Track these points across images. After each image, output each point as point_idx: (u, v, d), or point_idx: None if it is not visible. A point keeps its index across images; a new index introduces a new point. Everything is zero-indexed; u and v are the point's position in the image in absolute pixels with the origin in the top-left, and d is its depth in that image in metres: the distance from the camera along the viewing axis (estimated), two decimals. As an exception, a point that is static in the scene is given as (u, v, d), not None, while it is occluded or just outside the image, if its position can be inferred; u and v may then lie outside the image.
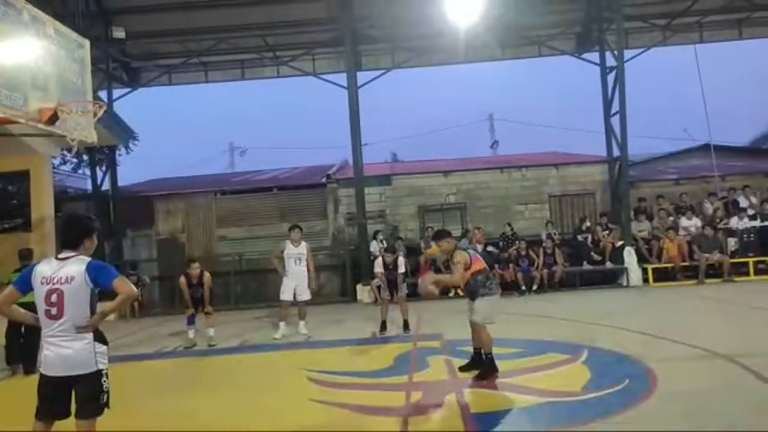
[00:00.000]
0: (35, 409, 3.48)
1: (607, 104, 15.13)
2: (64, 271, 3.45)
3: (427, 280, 6.27)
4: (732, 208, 14.63)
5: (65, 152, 15.42)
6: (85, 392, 3.44)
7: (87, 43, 8.44)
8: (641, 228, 14.41)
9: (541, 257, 13.58)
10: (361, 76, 15.20)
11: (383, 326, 9.07)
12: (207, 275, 9.17)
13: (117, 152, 16.18)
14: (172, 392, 6.29)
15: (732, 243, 13.74)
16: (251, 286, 15.09)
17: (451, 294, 12.60)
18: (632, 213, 14.64)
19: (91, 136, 8.00)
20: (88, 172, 17.41)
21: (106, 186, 15.51)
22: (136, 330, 11.37)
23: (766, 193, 15.04)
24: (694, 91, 15.88)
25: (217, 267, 14.18)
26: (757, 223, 13.80)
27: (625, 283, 13.71)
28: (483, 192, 16.26)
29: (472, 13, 12.12)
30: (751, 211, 14.19)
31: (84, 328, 3.44)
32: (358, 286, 14.08)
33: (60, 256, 3.56)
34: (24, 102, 6.75)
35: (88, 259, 3.54)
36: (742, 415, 4.43)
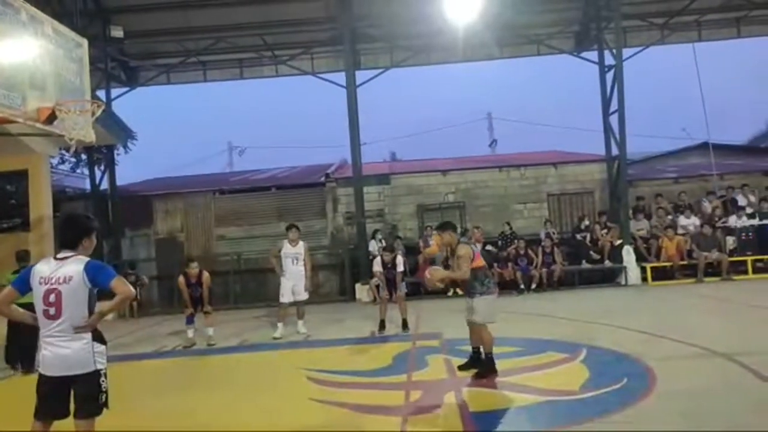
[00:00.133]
0: (34, 408, 3.48)
1: (606, 103, 15.13)
2: (62, 271, 3.45)
3: (436, 277, 6.23)
4: (730, 206, 14.64)
5: (63, 152, 15.41)
6: (84, 392, 3.44)
7: (85, 42, 8.42)
8: (640, 227, 14.42)
9: (540, 256, 13.58)
10: (360, 75, 15.18)
11: (382, 325, 9.07)
12: (206, 275, 9.17)
13: (115, 152, 16.15)
14: (171, 392, 6.29)
15: (730, 241, 13.75)
16: (250, 286, 15.08)
17: (450, 293, 12.62)
18: (631, 212, 14.64)
19: (90, 136, 7.98)
20: (86, 171, 17.41)
21: (104, 185, 15.51)
22: (134, 329, 11.36)
23: (764, 192, 15.05)
24: (692, 90, 15.91)
25: (215, 266, 14.19)
26: (756, 221, 13.81)
27: (623, 282, 13.72)
28: (482, 191, 16.26)
29: (471, 12, 12.13)
30: (749, 210, 14.20)
31: (82, 328, 3.44)
32: (357, 285, 14.07)
33: (59, 255, 3.55)
34: (22, 101, 6.74)
35: (87, 258, 3.54)
36: (741, 414, 4.43)
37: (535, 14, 15.35)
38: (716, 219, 14.25)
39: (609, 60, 14.89)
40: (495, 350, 6.03)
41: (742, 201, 14.63)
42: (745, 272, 13.33)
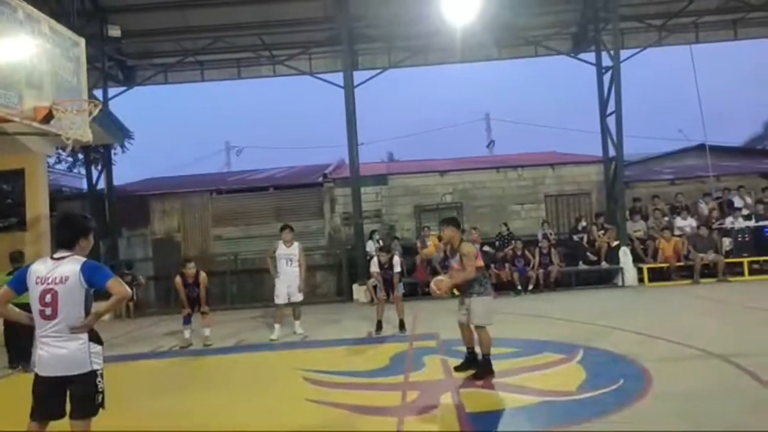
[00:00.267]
0: (30, 409, 3.47)
1: (603, 104, 15.15)
2: (58, 271, 3.44)
3: (443, 288, 6.14)
4: (727, 208, 14.68)
5: (60, 151, 15.39)
6: (80, 392, 3.43)
7: (82, 41, 8.40)
8: (636, 228, 14.45)
9: (537, 257, 13.60)
10: (358, 76, 15.19)
11: (379, 326, 9.06)
12: (203, 275, 9.15)
13: (112, 151, 16.14)
14: (167, 392, 6.28)
15: (727, 243, 13.78)
16: (247, 286, 15.06)
17: (446, 294, 12.60)
18: (628, 213, 14.67)
19: (87, 135, 7.96)
20: (83, 171, 17.37)
21: (101, 185, 15.46)
22: (131, 330, 11.34)
23: (760, 194, 15.10)
24: (689, 92, 15.94)
25: (213, 267, 14.16)
26: (752, 223, 13.85)
27: (620, 283, 13.75)
28: (479, 192, 16.27)
29: (468, 13, 12.14)
30: (745, 211, 14.26)
31: (78, 328, 3.43)
32: (355, 286, 14.07)
33: (55, 255, 3.54)
34: (19, 100, 6.72)
35: (83, 259, 3.53)
36: (737, 415, 4.44)
37: (533, 16, 15.38)
38: (713, 220, 14.29)
39: (606, 61, 14.92)
40: (492, 351, 6.04)
41: (738, 202, 14.67)
42: (742, 274, 13.36)
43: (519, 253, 13.63)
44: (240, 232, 16.00)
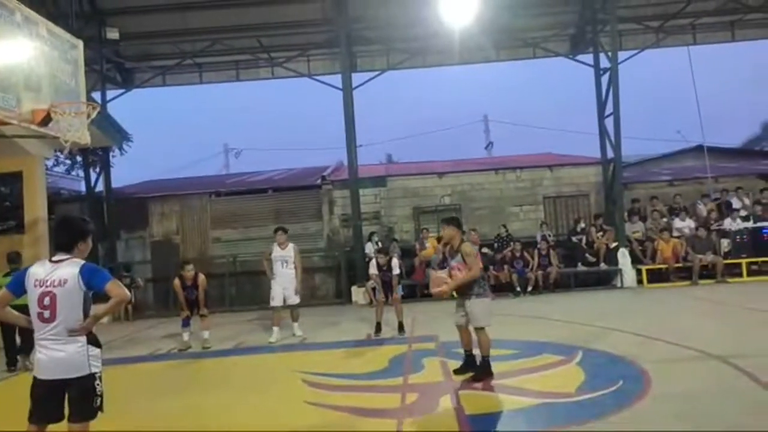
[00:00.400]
0: (28, 412, 3.45)
1: (601, 106, 15.18)
2: (57, 274, 3.43)
3: (447, 289, 6.13)
4: (725, 209, 14.70)
5: (58, 153, 15.36)
6: (78, 395, 3.42)
7: (80, 43, 8.41)
8: (635, 229, 14.46)
9: (536, 258, 13.61)
10: (356, 78, 15.21)
11: (378, 328, 9.05)
12: (201, 277, 9.13)
13: (111, 154, 16.11)
14: (166, 395, 6.27)
15: (725, 244, 13.80)
16: (246, 288, 15.04)
17: (445, 296, 12.60)
18: (626, 214, 14.69)
19: (85, 138, 7.96)
20: (81, 173, 17.36)
21: (99, 187, 15.45)
22: (130, 332, 11.32)
23: (758, 195, 15.12)
24: (687, 93, 16.00)
25: (211, 269, 14.14)
26: (750, 224, 13.87)
27: (619, 285, 13.76)
28: (478, 193, 16.28)
29: (467, 15, 12.16)
30: (743, 213, 14.27)
31: (77, 331, 3.42)
32: (353, 288, 14.06)
33: (54, 258, 3.53)
34: (17, 103, 6.72)
35: (82, 261, 3.52)
36: (736, 416, 4.44)
37: (531, 17, 15.41)
38: (711, 222, 14.30)
39: (604, 63, 14.94)
40: (491, 353, 6.04)
41: (736, 204, 14.69)
42: (740, 275, 13.37)
43: (518, 254, 13.64)
44: (239, 234, 15.99)
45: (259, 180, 18.54)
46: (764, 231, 13.62)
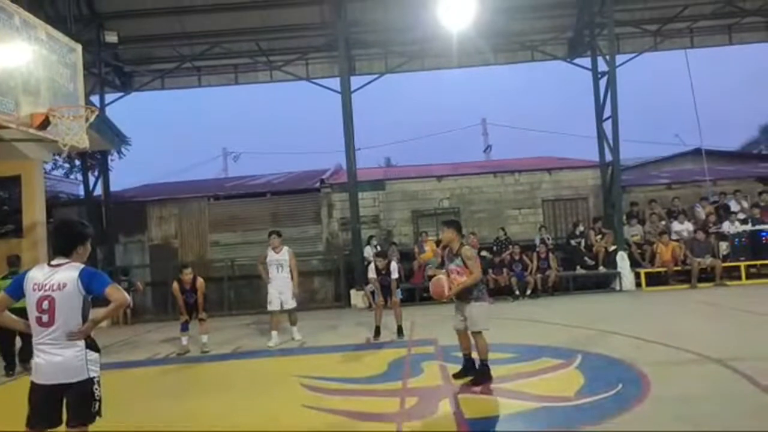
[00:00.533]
0: (26, 417, 3.44)
1: (599, 109, 15.20)
2: (56, 278, 3.42)
3: (449, 294, 6.12)
4: (723, 212, 14.72)
5: (57, 157, 15.36)
6: (77, 400, 3.41)
7: (79, 47, 8.41)
8: (633, 232, 14.47)
9: (535, 262, 13.60)
10: (355, 81, 15.23)
11: (377, 332, 9.04)
12: (200, 281, 9.11)
13: (109, 157, 16.10)
14: (164, 399, 6.25)
15: (724, 247, 13.80)
16: (245, 292, 15.02)
17: (445, 300, 12.59)
18: (625, 217, 14.70)
19: (83, 141, 7.96)
20: (80, 177, 17.34)
21: (98, 191, 15.42)
22: (128, 336, 11.30)
23: (756, 198, 15.14)
24: (685, 96, 16.05)
25: (210, 273, 14.14)
26: (748, 227, 13.88)
27: (618, 288, 13.75)
28: (476, 196, 16.29)
29: (465, 19, 12.19)
30: (742, 216, 14.28)
31: (75, 335, 3.42)
32: (352, 291, 14.05)
33: (53, 262, 3.53)
34: (15, 107, 6.72)
35: (81, 265, 3.51)
36: (735, 419, 4.45)
37: (529, 21, 15.45)
38: (710, 225, 14.31)
39: (602, 66, 14.97)
40: (489, 357, 6.04)
41: (734, 207, 14.71)
42: (739, 278, 13.37)
43: (516, 257, 13.64)
44: (237, 237, 15.97)
45: (258, 183, 18.54)
46: (763, 234, 13.63)
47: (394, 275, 9.12)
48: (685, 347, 6.85)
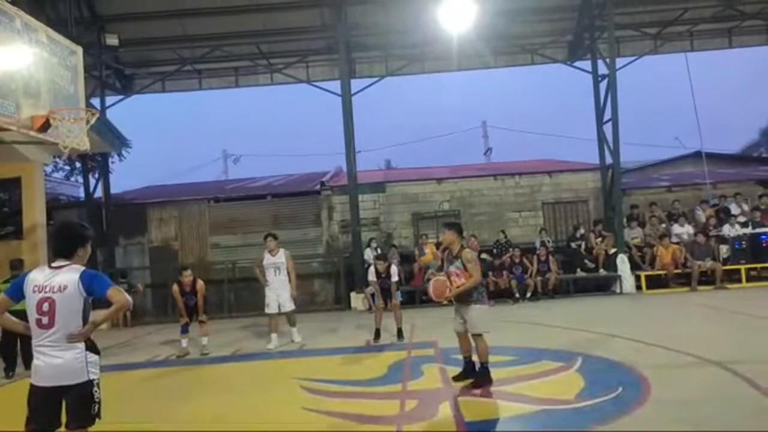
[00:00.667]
0: (25, 419, 3.44)
1: (600, 112, 15.21)
2: (56, 280, 3.42)
3: (449, 296, 6.13)
4: (723, 215, 14.72)
5: (57, 159, 15.38)
6: (76, 402, 3.40)
7: (80, 50, 8.43)
8: (634, 235, 14.47)
9: (535, 264, 13.60)
10: (355, 84, 15.25)
11: (377, 334, 9.03)
12: (200, 283, 9.11)
13: (110, 159, 16.12)
14: (164, 401, 6.25)
15: (724, 250, 13.79)
16: (245, 294, 15.01)
17: (445, 302, 12.59)
18: (625, 220, 14.70)
19: (84, 144, 7.97)
20: (80, 179, 17.37)
21: (98, 193, 15.44)
22: (128, 338, 11.29)
23: (756, 201, 15.14)
24: (685, 99, 16.06)
25: (210, 275, 14.14)
26: (749, 230, 13.88)
27: (618, 291, 13.74)
28: (476, 199, 16.30)
29: (465, 22, 12.22)
30: (742, 219, 14.28)
31: (75, 337, 3.41)
32: (352, 294, 14.05)
33: (53, 264, 3.52)
34: (16, 109, 6.73)
35: (82, 268, 3.51)
36: (735, 422, 4.44)
37: (529, 24, 15.47)
38: (710, 228, 14.31)
39: (602, 69, 15.00)
40: (490, 359, 6.03)
41: (735, 210, 14.71)
42: (739, 281, 13.38)
43: (517, 260, 13.64)
44: (238, 240, 15.98)
45: (258, 186, 18.54)
46: (763, 237, 13.62)
47: (394, 278, 9.12)
48: (685, 350, 6.85)
